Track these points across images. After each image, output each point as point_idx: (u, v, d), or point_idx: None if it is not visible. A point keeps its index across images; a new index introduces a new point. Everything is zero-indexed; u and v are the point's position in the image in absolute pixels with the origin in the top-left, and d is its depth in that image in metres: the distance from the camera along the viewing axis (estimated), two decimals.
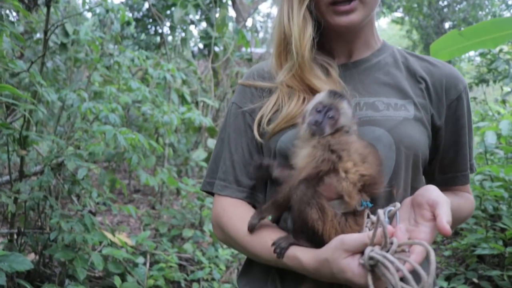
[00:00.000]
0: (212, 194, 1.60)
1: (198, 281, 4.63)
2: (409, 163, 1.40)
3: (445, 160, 1.56)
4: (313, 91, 1.46)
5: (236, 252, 5.12)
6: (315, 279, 1.27)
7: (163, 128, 4.60)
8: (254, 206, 1.54)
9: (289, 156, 1.38)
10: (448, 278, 4.97)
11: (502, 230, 4.86)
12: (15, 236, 3.77)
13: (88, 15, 9.18)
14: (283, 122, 1.43)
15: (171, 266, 4.59)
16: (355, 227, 1.25)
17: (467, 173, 1.59)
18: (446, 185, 1.59)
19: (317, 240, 1.26)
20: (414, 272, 1.01)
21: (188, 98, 6.81)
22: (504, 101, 8.32)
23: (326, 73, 1.50)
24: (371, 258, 1.07)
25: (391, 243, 1.06)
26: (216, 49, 9.37)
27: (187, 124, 5.88)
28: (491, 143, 5.86)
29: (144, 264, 4.37)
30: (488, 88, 10.25)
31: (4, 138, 3.59)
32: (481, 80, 8.79)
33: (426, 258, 1.48)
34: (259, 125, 1.49)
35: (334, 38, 1.55)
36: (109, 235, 4.13)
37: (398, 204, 1.22)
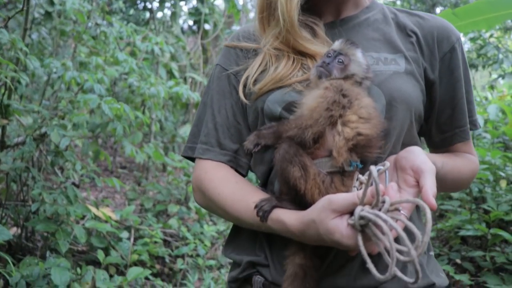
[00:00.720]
0: (193, 160, 1.54)
1: (182, 256, 4.61)
2: (401, 118, 1.34)
3: (442, 117, 1.49)
4: (301, 53, 1.40)
5: (221, 228, 5.10)
6: (301, 242, 1.23)
7: (150, 100, 4.50)
8: (237, 171, 1.48)
9: (275, 117, 1.33)
10: None
11: (486, 212, 4.89)
12: None
13: None
14: (271, 83, 1.36)
15: (156, 242, 4.55)
16: (342, 188, 1.19)
17: (465, 129, 1.50)
18: (445, 146, 1.53)
19: (300, 201, 1.21)
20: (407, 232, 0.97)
21: (177, 74, 6.71)
22: (492, 87, 8.35)
23: (312, 33, 1.45)
24: (362, 217, 1.01)
25: (383, 202, 1.00)
26: (207, 26, 9.24)
27: (174, 99, 5.79)
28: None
29: (128, 238, 4.33)
30: (477, 75, 10.27)
31: None
32: (470, 65, 8.80)
33: (419, 219, 1.46)
34: (244, 86, 1.43)
35: None
36: (93, 209, 4.07)
37: (387, 163, 1.16)
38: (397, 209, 1.02)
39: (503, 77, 6.84)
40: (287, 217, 1.22)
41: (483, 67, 7.65)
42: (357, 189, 1.14)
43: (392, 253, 0.93)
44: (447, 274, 4.62)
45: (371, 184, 1.03)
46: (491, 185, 5.10)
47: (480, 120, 5.93)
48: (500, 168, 5.02)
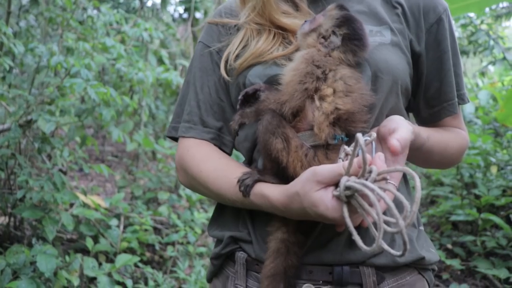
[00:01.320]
0: (177, 140, 1.51)
1: (173, 244, 4.58)
2: (387, 90, 1.30)
3: (429, 91, 1.46)
4: (281, 28, 1.37)
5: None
6: (284, 217, 1.20)
7: (138, 86, 4.44)
8: (221, 149, 1.45)
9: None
10: None
11: (477, 197, 4.90)
12: None
13: None
14: (251, 58, 1.33)
15: (146, 230, 4.52)
16: (325, 162, 1.15)
17: (453, 102, 1.46)
18: (434, 121, 1.50)
19: (283, 175, 1.18)
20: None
21: (167, 61, 6.62)
22: (483, 74, 8.35)
23: (294, 6, 1.42)
24: (347, 188, 0.98)
25: (370, 172, 0.96)
26: (198, 15, 9.14)
27: (164, 86, 5.72)
28: (469, 113, 5.87)
29: (118, 226, 4.29)
30: (468, 62, 10.26)
31: None
32: (461, 52, 8.79)
33: (408, 192, 1.43)
34: (226, 62, 1.40)
35: None
36: (82, 196, 4.02)
37: (373, 134, 1.12)
38: (384, 179, 0.99)
39: (494, 63, 6.83)
40: (270, 191, 1.19)
41: (474, 53, 7.63)
42: (343, 161, 1.10)
43: (379, 223, 0.90)
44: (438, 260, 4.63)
45: (357, 155, 1.00)
46: (482, 171, 5.10)
47: (471, 107, 5.93)
48: (490, 153, 5.02)
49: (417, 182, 0.89)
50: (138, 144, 5.04)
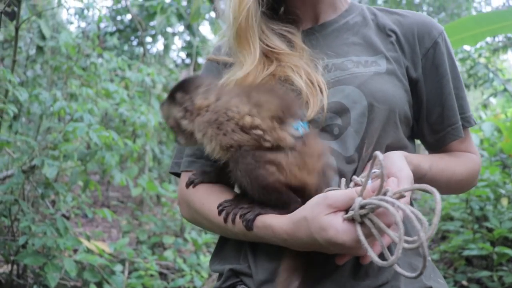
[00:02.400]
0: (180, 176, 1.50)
1: None
2: (384, 119, 1.29)
3: (432, 116, 1.43)
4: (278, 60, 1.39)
5: None
6: (291, 251, 1.16)
7: (141, 130, 4.46)
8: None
9: None
10: None
11: (489, 230, 4.79)
12: None
13: (72, 28, 9.09)
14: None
15: (151, 275, 4.42)
16: (313, 143, 1.18)
17: (457, 126, 1.43)
18: (440, 146, 1.47)
19: (283, 202, 1.17)
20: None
21: None
22: (485, 106, 8.36)
23: (288, 42, 1.43)
24: (362, 207, 0.95)
25: (384, 194, 0.95)
26: (200, 60, 9.30)
27: (167, 129, 5.75)
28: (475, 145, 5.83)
29: (123, 272, 4.20)
30: (469, 96, 10.31)
31: None
32: None
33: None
34: None
35: (298, 3, 1.49)
36: (85, 242, 3.96)
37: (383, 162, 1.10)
38: (402, 196, 0.98)
39: (495, 95, 6.85)
40: (274, 221, 1.16)
41: (475, 86, 7.68)
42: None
43: (400, 232, 0.87)
44: None
45: (371, 178, 0.98)
46: (492, 203, 5.01)
47: (476, 139, 5.90)
48: (499, 185, 4.94)
49: (437, 196, 0.88)
50: (142, 189, 5.01)
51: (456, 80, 1.44)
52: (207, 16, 7.59)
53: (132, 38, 10.48)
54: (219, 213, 1.24)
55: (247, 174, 1.15)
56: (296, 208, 1.14)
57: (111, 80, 5.02)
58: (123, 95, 4.52)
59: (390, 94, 1.30)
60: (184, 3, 8.75)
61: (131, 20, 10.24)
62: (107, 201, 7.37)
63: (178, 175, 1.51)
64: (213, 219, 1.30)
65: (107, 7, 10.01)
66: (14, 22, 4.57)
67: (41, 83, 5.58)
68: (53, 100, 3.61)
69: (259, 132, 1.16)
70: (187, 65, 9.61)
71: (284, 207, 1.16)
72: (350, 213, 0.99)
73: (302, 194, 1.16)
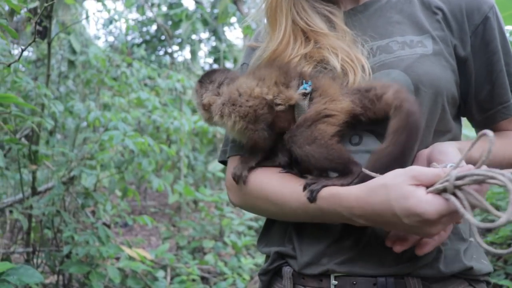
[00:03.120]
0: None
1: None
2: (430, 103, 1.24)
3: (481, 94, 1.36)
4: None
5: (259, 261, 4.93)
6: (349, 221, 1.13)
7: (175, 135, 4.48)
8: None
9: None
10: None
11: None
12: (32, 255, 3.67)
13: (100, 43, 9.30)
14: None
15: (193, 280, 4.42)
16: (340, 98, 1.19)
17: (509, 104, 1.36)
18: (488, 125, 1.37)
19: (346, 161, 1.16)
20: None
21: None
22: None
23: (329, 23, 1.39)
24: (459, 178, 0.93)
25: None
26: (227, 64, 9.34)
27: (200, 134, 5.77)
28: None
29: (165, 278, 4.22)
30: None
31: (14, 154, 3.51)
32: None
33: None
34: None
35: None
36: (127, 250, 3.99)
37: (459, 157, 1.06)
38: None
39: None
40: (342, 190, 1.12)
41: None
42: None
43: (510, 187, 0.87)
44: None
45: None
46: None
47: None
48: None
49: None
50: (179, 195, 5.03)
51: (508, 56, 1.35)
52: (233, 18, 7.59)
53: (159, 48, 10.63)
54: (304, 188, 1.19)
55: (306, 143, 1.16)
56: (358, 171, 1.13)
57: (142, 89, 5.07)
58: (155, 102, 4.56)
59: (437, 76, 1.24)
60: (208, 9, 8.83)
61: (157, 30, 10.40)
62: (145, 210, 7.46)
63: (226, 164, 1.50)
64: (271, 196, 1.27)
65: (133, 20, 10.20)
66: (46, 39, 4.69)
67: (74, 98, 5.71)
68: (87, 111, 3.65)
69: (269, 97, 1.23)
70: None
71: (347, 172, 1.15)
72: (438, 186, 0.97)
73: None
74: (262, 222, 5.46)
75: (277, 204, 1.26)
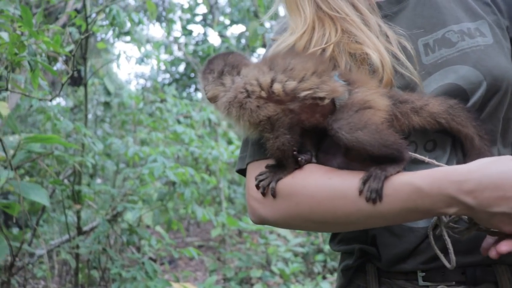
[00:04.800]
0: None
1: None
2: (502, 94, 1.15)
3: None
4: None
5: (310, 286, 4.77)
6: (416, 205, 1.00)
7: (214, 165, 4.47)
8: None
9: None
10: None
11: None
12: None
13: (132, 87, 9.55)
14: None
15: None
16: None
17: None
18: None
19: (400, 145, 1.04)
20: None
21: (236, 142, 6.73)
22: None
23: (361, 16, 1.23)
24: None
25: None
26: None
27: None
28: None
29: None
30: None
31: (58, 195, 3.56)
32: None
33: None
34: None
35: None
36: (175, 284, 3.93)
37: None
38: None
39: None
40: (417, 175, 1.01)
41: None
42: None
43: None
44: None
45: None
46: None
47: None
48: None
49: None
50: (222, 225, 4.98)
51: None
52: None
53: (189, 84, 10.82)
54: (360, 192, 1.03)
55: (357, 128, 1.03)
56: (409, 157, 1.04)
57: (178, 123, 5.12)
58: (191, 135, 4.57)
59: (504, 66, 1.16)
60: (234, 41, 8.94)
61: (185, 68, 10.60)
62: (188, 246, 7.42)
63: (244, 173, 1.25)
64: (323, 201, 1.08)
65: (162, 60, 10.48)
66: (82, 82, 4.83)
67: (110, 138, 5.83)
68: (125, 147, 3.69)
69: (306, 92, 1.08)
70: None
71: (401, 158, 1.04)
72: None
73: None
74: (309, 248, 5.33)
75: (329, 213, 1.09)
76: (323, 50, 1.18)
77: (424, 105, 1.09)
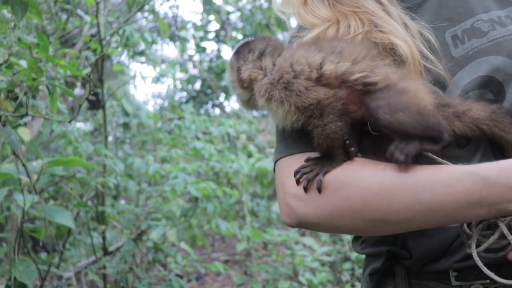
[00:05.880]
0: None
1: None
2: None
3: None
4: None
5: None
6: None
7: (235, 178, 4.46)
8: None
9: None
10: None
11: None
12: None
13: (149, 107, 9.66)
14: None
15: None
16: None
17: None
18: None
19: (441, 127, 0.99)
20: None
21: (256, 155, 6.71)
22: None
23: (383, 10, 1.19)
24: None
25: None
26: None
27: (259, 177, 5.73)
28: None
29: None
30: None
31: (83, 217, 3.60)
32: None
33: None
34: None
35: None
36: None
37: None
38: None
39: None
40: (481, 166, 0.97)
41: None
42: None
43: None
44: None
45: None
46: None
47: None
48: None
49: None
50: (247, 239, 4.95)
51: None
52: None
53: (206, 101, 10.88)
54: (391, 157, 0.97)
55: (397, 109, 0.98)
56: (449, 137, 0.98)
57: (197, 138, 5.14)
58: (211, 150, 4.59)
59: None
60: None
61: (202, 85, 10.69)
62: (214, 262, 7.40)
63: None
64: (392, 200, 0.99)
65: (177, 79, 10.58)
66: (100, 110, 4.90)
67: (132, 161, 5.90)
68: (146, 165, 3.72)
69: (359, 75, 1.01)
70: (264, 115, 9.73)
71: (441, 139, 0.99)
72: None
73: None
74: (336, 256, 5.25)
75: (391, 206, 0.99)
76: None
77: (466, 110, 1.04)
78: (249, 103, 1.14)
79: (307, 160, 1.05)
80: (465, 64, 1.11)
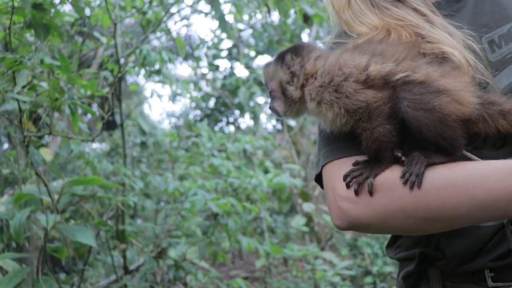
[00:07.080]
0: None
1: None
2: None
3: None
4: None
5: None
6: None
7: (255, 193, 4.45)
8: None
9: None
10: None
11: None
12: None
13: (165, 125, 9.74)
14: None
15: None
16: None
17: None
18: None
19: (457, 141, 1.01)
20: None
21: (273, 171, 6.70)
22: None
23: (424, 17, 1.19)
24: None
25: None
26: (292, 123, 9.39)
27: (277, 192, 5.71)
28: None
29: None
30: None
31: (102, 237, 3.61)
32: None
33: None
34: None
35: None
36: None
37: None
38: None
39: None
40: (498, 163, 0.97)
41: None
42: None
43: None
44: None
45: None
46: None
47: None
48: None
49: None
50: (266, 254, 4.91)
51: None
52: None
53: (220, 118, 10.93)
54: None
55: (421, 108, 0.99)
56: (461, 154, 1.00)
57: (213, 155, 5.16)
58: (229, 166, 4.59)
59: None
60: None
61: (216, 103, 10.76)
62: (233, 279, 7.34)
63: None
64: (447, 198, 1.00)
65: (193, 97, 10.66)
66: (116, 130, 4.95)
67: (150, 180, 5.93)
68: (165, 183, 3.73)
69: (402, 74, 1.03)
70: (279, 131, 9.73)
71: (452, 153, 1.00)
72: None
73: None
74: (357, 270, 5.18)
75: (443, 203, 1.00)
76: None
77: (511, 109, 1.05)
78: (293, 109, 1.15)
79: (355, 164, 1.07)
80: (502, 68, 1.12)
